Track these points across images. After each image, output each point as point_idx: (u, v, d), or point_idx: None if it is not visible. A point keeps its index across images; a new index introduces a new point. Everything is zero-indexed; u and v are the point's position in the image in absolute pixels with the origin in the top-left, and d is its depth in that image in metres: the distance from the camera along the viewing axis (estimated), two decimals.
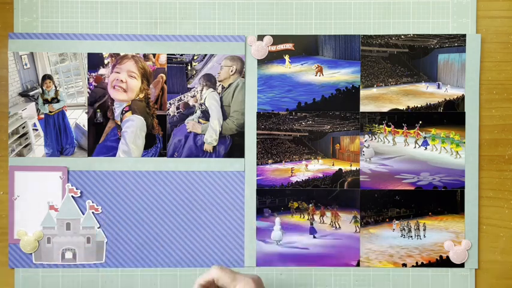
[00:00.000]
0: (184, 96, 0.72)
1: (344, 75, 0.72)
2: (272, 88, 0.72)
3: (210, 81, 0.72)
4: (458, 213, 0.72)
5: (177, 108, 0.72)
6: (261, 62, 0.72)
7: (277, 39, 0.72)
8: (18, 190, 0.71)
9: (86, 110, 0.71)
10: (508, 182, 0.72)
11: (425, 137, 0.72)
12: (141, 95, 0.72)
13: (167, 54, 0.71)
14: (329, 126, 0.72)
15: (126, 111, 0.72)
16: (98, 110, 0.72)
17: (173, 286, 0.71)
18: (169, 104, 0.72)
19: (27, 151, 0.71)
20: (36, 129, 0.71)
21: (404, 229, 0.72)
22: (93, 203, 0.71)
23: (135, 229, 0.71)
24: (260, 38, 0.72)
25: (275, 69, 0.72)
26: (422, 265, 0.71)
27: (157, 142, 0.72)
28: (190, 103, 0.72)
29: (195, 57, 0.72)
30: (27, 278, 0.71)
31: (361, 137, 0.72)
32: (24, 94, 0.71)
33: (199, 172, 0.72)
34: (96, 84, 0.71)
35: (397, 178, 0.72)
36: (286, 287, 0.72)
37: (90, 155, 0.71)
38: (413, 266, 0.71)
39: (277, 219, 0.72)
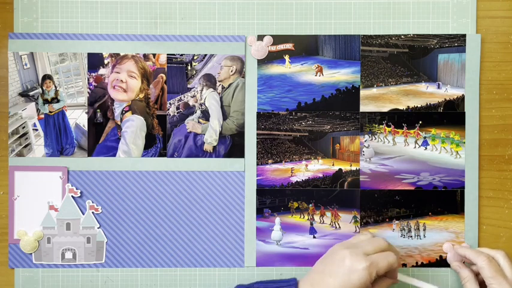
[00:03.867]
0: (184, 96, 0.72)
1: (344, 75, 0.72)
2: (272, 88, 0.72)
3: (210, 81, 0.72)
4: (458, 213, 0.72)
5: (177, 108, 0.72)
6: (261, 62, 0.72)
7: (277, 39, 0.72)
8: (18, 190, 0.71)
9: (86, 110, 0.71)
10: (508, 182, 0.72)
11: (425, 137, 0.72)
12: (141, 95, 0.72)
13: (167, 54, 0.71)
14: (329, 126, 0.72)
15: (126, 111, 0.72)
16: (98, 110, 0.72)
17: (173, 286, 0.71)
18: (169, 104, 0.72)
19: (27, 151, 0.71)
20: (36, 129, 0.72)
21: (404, 229, 0.72)
22: (93, 203, 0.71)
23: (135, 229, 0.71)
24: (260, 38, 0.72)
25: (275, 69, 0.72)
26: (422, 265, 0.71)
27: (157, 142, 0.72)
28: (190, 103, 0.72)
29: (195, 57, 0.72)
30: (27, 278, 0.71)
31: (361, 137, 0.72)
32: (24, 94, 0.71)
33: (199, 172, 0.72)
34: (96, 84, 0.71)
35: (397, 178, 0.72)
36: None
37: (90, 155, 0.71)
38: (413, 266, 0.71)
39: (277, 219, 0.72)
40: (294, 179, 0.72)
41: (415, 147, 0.72)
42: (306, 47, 0.72)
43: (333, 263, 0.60)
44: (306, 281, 0.61)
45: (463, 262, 0.69)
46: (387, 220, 0.72)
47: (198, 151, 0.72)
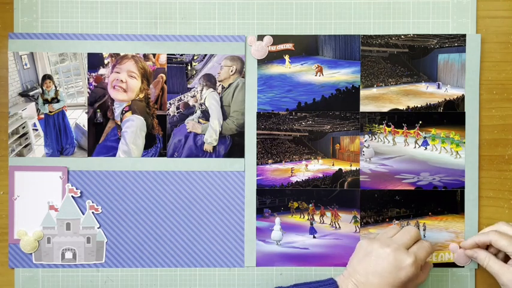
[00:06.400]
0: (184, 96, 0.72)
1: (344, 75, 0.72)
2: (272, 88, 0.72)
3: (210, 81, 0.72)
4: (458, 213, 0.72)
5: (177, 108, 0.72)
6: (261, 62, 0.72)
7: (277, 39, 0.72)
8: (18, 190, 0.71)
9: (86, 110, 0.72)
10: (508, 182, 0.72)
11: (425, 137, 0.72)
12: (141, 95, 0.72)
13: (167, 54, 0.71)
14: (329, 126, 0.72)
15: (126, 111, 0.72)
16: (98, 110, 0.72)
17: (173, 286, 0.71)
18: (169, 104, 0.72)
19: (27, 151, 0.71)
20: (36, 129, 0.72)
21: None
22: (93, 203, 0.71)
23: (135, 229, 0.71)
24: (260, 38, 0.72)
25: (275, 69, 0.72)
26: None
27: (157, 142, 0.72)
28: (190, 103, 0.72)
29: (195, 57, 0.72)
30: (27, 278, 0.71)
31: (361, 137, 0.72)
32: (24, 94, 0.71)
33: (199, 172, 0.72)
34: (96, 84, 0.71)
35: (397, 178, 0.72)
36: None
37: (90, 155, 0.71)
38: None
39: (277, 219, 0.72)
40: (294, 179, 0.72)
41: (415, 147, 0.72)
42: (306, 47, 0.72)
43: (376, 263, 0.60)
44: (347, 282, 0.61)
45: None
46: (387, 220, 0.72)
47: (198, 151, 0.72)
